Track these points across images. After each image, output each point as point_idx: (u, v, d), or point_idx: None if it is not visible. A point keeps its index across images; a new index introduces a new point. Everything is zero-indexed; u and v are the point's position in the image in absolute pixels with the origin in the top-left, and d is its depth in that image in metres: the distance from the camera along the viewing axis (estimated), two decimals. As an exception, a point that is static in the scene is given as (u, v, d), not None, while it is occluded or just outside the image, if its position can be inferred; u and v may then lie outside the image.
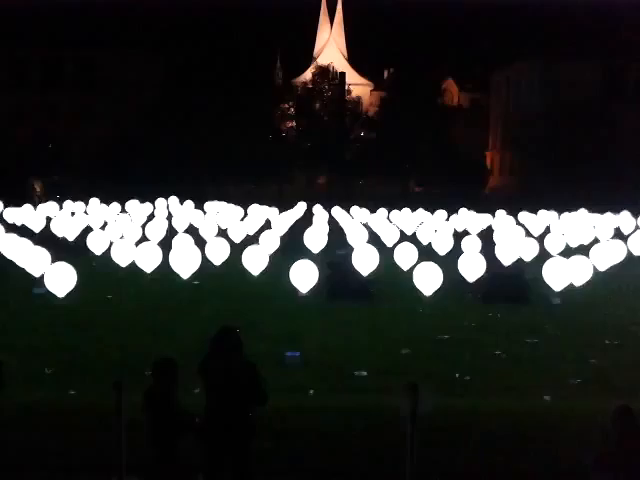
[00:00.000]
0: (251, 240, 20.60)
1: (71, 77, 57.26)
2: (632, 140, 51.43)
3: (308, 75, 62.13)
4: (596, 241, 21.26)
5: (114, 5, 52.39)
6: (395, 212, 29.34)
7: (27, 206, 29.16)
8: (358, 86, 68.81)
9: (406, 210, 29.55)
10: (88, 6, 51.64)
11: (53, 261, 14.33)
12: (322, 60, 67.95)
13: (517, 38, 60.22)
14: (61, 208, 31.18)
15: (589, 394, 8.76)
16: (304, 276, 14.01)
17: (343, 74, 60.85)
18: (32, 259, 15.11)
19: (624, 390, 8.62)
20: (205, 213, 28.74)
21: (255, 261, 16.23)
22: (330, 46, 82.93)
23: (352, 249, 17.25)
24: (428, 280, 13.82)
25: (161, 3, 55.61)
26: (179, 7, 56.76)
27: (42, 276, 14.01)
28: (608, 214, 28.68)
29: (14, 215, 27.38)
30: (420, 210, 29.98)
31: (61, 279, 13.31)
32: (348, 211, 31.59)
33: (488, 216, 27.88)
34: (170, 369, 5.07)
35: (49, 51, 56.08)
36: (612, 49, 52.97)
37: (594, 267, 15.73)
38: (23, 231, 22.40)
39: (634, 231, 23.36)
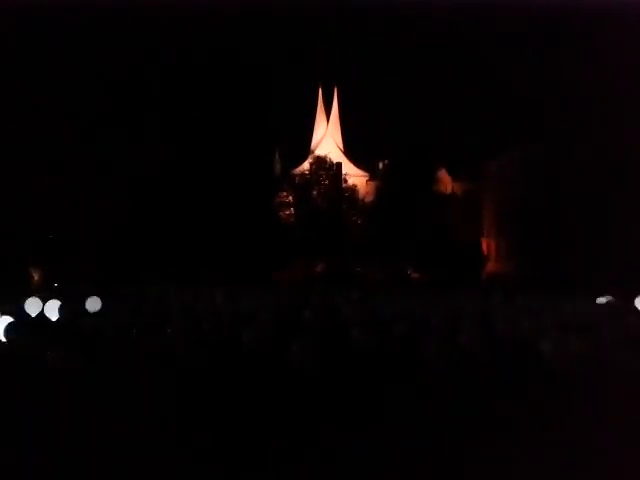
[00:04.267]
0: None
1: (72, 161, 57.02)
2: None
3: (306, 166, 63.75)
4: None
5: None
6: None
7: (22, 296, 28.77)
8: (354, 177, 70.35)
9: None
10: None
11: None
12: (319, 152, 69.77)
13: (509, 127, 62.30)
14: (57, 297, 30.85)
15: None
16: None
17: (339, 164, 62.54)
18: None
19: None
20: (201, 296, 28.51)
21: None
22: (327, 140, 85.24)
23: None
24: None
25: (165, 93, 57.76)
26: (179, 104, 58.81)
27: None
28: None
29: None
30: None
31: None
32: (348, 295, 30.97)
33: None
34: None
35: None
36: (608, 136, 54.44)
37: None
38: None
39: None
